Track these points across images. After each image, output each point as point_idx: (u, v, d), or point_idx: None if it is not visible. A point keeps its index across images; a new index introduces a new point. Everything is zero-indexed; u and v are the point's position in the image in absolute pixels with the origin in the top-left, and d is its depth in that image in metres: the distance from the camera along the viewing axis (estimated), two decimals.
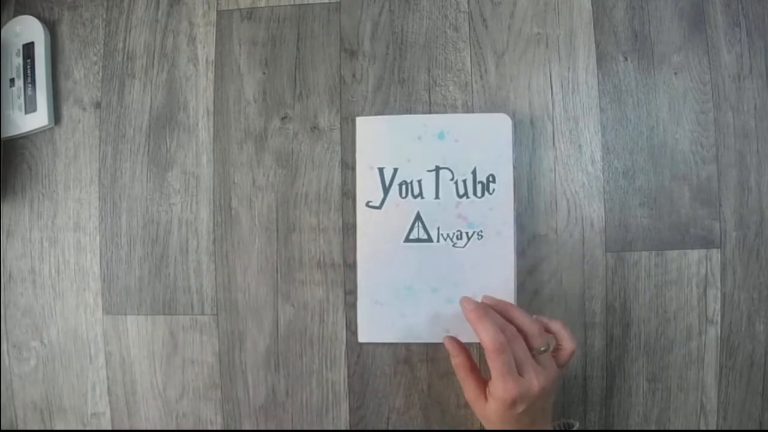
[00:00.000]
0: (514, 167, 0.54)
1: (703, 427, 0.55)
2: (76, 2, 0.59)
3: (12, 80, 0.58)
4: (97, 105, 0.58)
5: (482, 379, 0.49)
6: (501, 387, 0.45)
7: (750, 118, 0.56)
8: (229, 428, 0.56)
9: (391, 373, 0.56)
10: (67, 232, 0.58)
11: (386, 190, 0.54)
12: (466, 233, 0.54)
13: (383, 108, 0.56)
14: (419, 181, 0.54)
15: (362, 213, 0.54)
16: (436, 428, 0.55)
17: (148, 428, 0.57)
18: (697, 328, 0.56)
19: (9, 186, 0.58)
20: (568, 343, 0.49)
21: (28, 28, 0.58)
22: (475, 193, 0.54)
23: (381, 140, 0.54)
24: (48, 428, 0.57)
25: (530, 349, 0.47)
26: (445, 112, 0.56)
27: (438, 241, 0.54)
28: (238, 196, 0.57)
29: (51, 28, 0.59)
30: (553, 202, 0.56)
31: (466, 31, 0.57)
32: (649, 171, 0.56)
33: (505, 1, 0.57)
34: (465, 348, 0.52)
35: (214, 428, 0.56)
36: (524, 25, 0.57)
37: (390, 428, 0.56)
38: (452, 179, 0.54)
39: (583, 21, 0.57)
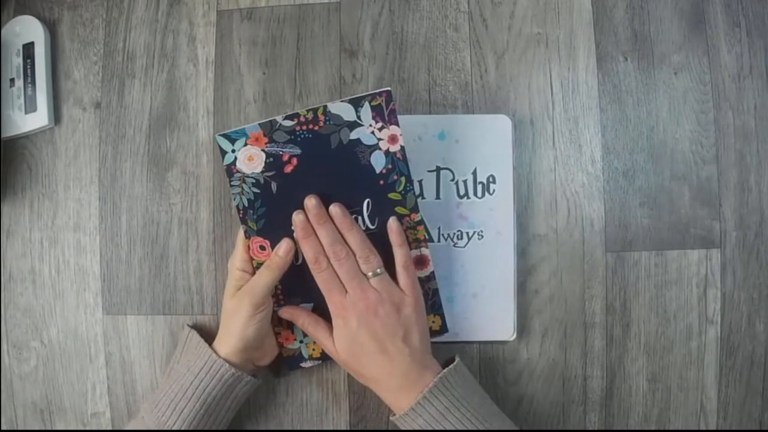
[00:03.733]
0: (514, 168, 0.54)
1: (703, 427, 0.55)
2: (76, 2, 0.59)
3: (12, 80, 0.58)
4: (97, 105, 0.58)
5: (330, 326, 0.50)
6: (329, 303, 0.48)
7: (750, 118, 0.56)
8: (230, 428, 0.56)
9: None
10: (67, 232, 0.58)
11: None
12: (467, 233, 0.54)
13: None
14: (420, 182, 0.54)
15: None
16: None
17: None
18: (697, 328, 0.56)
19: (9, 186, 0.58)
20: (401, 276, 0.49)
21: (28, 28, 0.58)
22: (475, 194, 0.54)
23: None
24: (48, 428, 0.57)
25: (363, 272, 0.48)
26: (445, 112, 0.56)
27: (439, 241, 0.54)
28: None
29: (51, 28, 0.59)
30: (553, 202, 0.56)
31: (466, 31, 0.57)
32: (649, 171, 0.56)
33: (505, 1, 0.57)
34: (300, 308, 0.52)
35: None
36: (524, 25, 0.57)
37: (390, 428, 0.56)
38: (453, 180, 0.54)
39: (583, 21, 0.57)
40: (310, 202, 0.48)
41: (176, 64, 0.58)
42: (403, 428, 0.48)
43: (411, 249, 0.50)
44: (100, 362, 0.57)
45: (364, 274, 0.48)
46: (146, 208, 0.57)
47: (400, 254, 0.49)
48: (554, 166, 0.56)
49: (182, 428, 0.48)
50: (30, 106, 0.57)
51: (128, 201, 0.58)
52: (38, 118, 0.57)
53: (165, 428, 0.48)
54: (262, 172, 0.49)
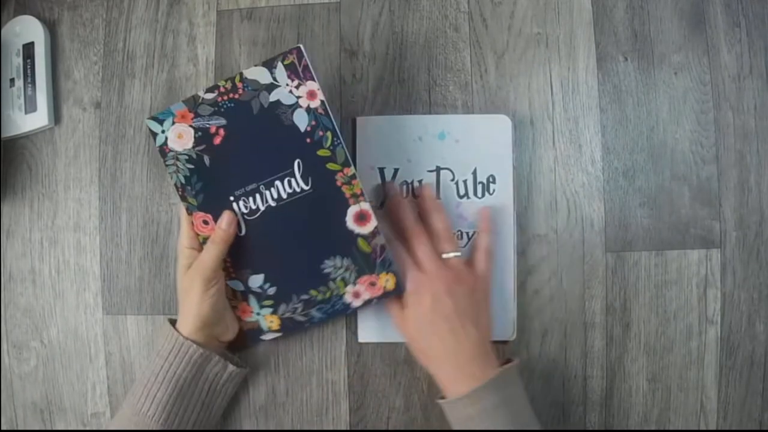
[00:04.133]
0: (514, 168, 0.54)
1: (703, 427, 0.55)
2: (76, 2, 0.59)
3: (12, 80, 0.58)
4: (97, 105, 0.58)
5: (405, 302, 0.51)
6: (406, 279, 0.49)
7: (750, 118, 0.56)
8: (230, 428, 0.56)
9: (391, 373, 0.56)
10: (67, 232, 0.58)
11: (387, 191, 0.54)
12: (467, 233, 0.54)
13: (383, 108, 0.56)
14: (420, 182, 0.54)
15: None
16: (437, 428, 0.55)
17: None
18: (697, 328, 0.56)
19: (9, 186, 0.58)
20: (479, 261, 0.51)
21: (28, 28, 0.58)
22: (475, 194, 0.54)
23: (381, 140, 0.54)
24: (48, 428, 0.57)
25: (439, 252, 0.50)
26: (446, 112, 0.56)
27: None
28: None
29: (51, 28, 0.59)
30: (553, 202, 0.56)
31: (466, 31, 0.57)
32: (649, 171, 0.56)
33: (505, 1, 0.57)
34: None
35: (215, 428, 0.56)
36: (524, 25, 0.57)
37: (390, 428, 0.56)
38: (453, 179, 0.54)
39: (583, 21, 0.57)
40: (391, 186, 0.52)
41: (176, 64, 0.58)
42: (450, 413, 0.48)
43: (350, 205, 0.50)
44: (100, 362, 0.57)
45: (441, 254, 0.49)
46: (146, 208, 0.57)
47: (484, 239, 0.51)
48: (554, 166, 0.56)
49: (157, 412, 0.48)
50: (30, 106, 0.57)
51: (128, 201, 0.58)
52: (38, 118, 0.57)
53: (141, 415, 0.48)
54: (193, 147, 0.50)
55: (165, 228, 0.57)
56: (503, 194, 0.54)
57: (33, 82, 0.57)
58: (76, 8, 0.59)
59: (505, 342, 0.55)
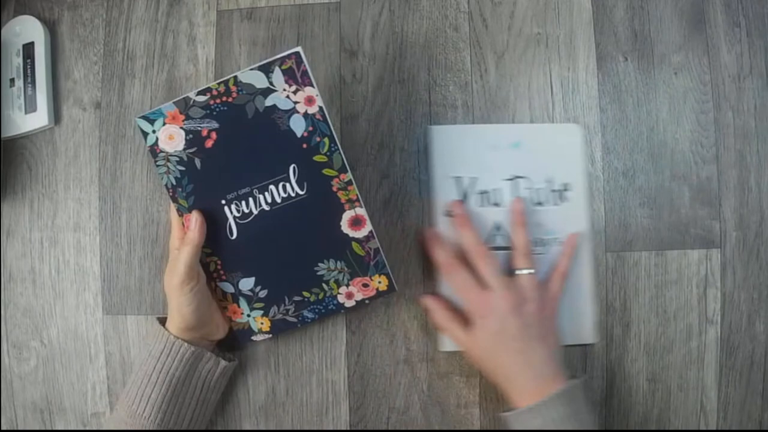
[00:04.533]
0: (586, 175, 0.55)
1: (703, 427, 0.55)
2: (76, 2, 0.59)
3: (12, 80, 0.58)
4: (97, 105, 0.58)
5: (469, 322, 0.51)
6: (468, 301, 0.49)
7: (750, 118, 0.56)
8: (229, 428, 0.56)
9: (391, 373, 0.56)
10: (67, 232, 0.58)
11: (465, 200, 0.54)
12: (544, 240, 0.54)
13: (383, 108, 0.56)
14: (497, 190, 0.54)
15: (443, 223, 0.54)
16: (436, 428, 0.55)
17: None
18: (697, 328, 0.56)
19: (9, 186, 0.58)
20: (553, 282, 0.52)
21: (28, 28, 0.58)
22: (550, 202, 0.54)
23: (456, 149, 0.54)
24: (48, 428, 0.57)
25: (512, 266, 0.51)
26: (446, 112, 0.56)
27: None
28: None
29: (51, 28, 0.59)
30: None
31: (466, 31, 0.57)
32: (649, 171, 0.56)
33: (505, 1, 0.57)
34: (440, 299, 0.53)
35: (215, 428, 0.56)
36: (524, 25, 0.57)
37: (390, 428, 0.56)
38: (529, 188, 0.54)
39: (583, 21, 0.57)
40: (456, 207, 0.52)
41: (176, 64, 0.58)
42: (514, 425, 0.48)
43: (345, 210, 0.50)
44: (100, 362, 0.57)
45: (515, 270, 0.50)
46: (146, 208, 0.57)
47: (564, 263, 0.52)
48: None
49: (152, 413, 0.48)
50: (30, 106, 0.57)
51: (128, 201, 0.58)
52: (38, 118, 0.57)
53: (136, 416, 0.48)
54: (184, 149, 0.49)
55: (165, 228, 0.57)
56: (577, 201, 0.54)
57: (33, 82, 0.57)
58: (76, 8, 0.59)
59: (586, 345, 0.55)
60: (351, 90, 0.57)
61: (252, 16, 0.58)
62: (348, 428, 0.56)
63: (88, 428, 0.57)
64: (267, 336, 0.54)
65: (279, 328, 0.54)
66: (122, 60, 0.58)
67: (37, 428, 0.57)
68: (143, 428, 0.48)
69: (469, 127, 0.55)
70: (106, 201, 0.58)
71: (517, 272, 0.50)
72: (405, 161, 0.56)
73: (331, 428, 0.56)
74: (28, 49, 0.57)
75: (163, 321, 0.52)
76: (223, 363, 0.51)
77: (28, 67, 0.57)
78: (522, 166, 0.54)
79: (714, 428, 0.55)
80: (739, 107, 0.56)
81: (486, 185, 0.54)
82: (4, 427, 0.58)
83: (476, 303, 0.49)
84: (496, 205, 0.54)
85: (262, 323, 0.53)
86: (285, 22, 0.58)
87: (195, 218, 0.49)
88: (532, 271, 0.50)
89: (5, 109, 0.58)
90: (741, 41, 0.57)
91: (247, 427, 0.56)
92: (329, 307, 0.53)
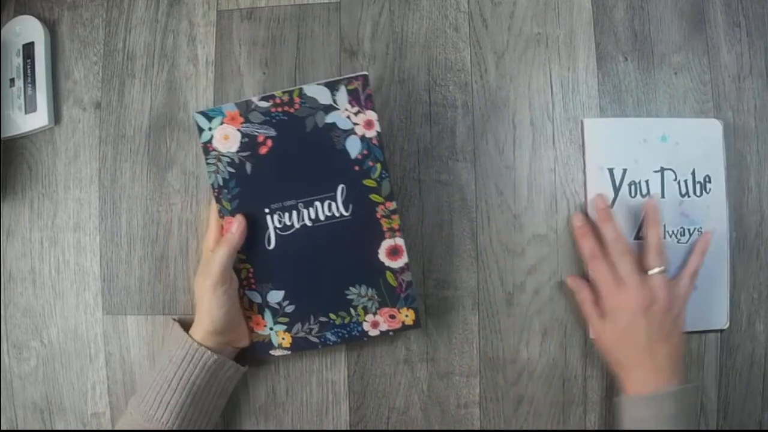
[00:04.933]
0: (725, 168, 0.55)
1: (703, 427, 0.55)
2: (76, 2, 0.59)
3: (12, 80, 0.58)
4: (97, 105, 0.58)
5: (603, 312, 0.52)
6: (603, 295, 0.50)
7: (750, 118, 0.56)
8: (229, 428, 0.56)
9: (391, 373, 0.56)
10: (67, 232, 0.58)
11: (617, 190, 0.55)
12: (688, 230, 0.55)
13: (383, 108, 0.56)
14: (647, 182, 0.55)
15: (591, 213, 0.55)
16: (436, 428, 0.55)
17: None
18: None
19: (9, 186, 0.58)
20: (683, 281, 0.52)
21: (28, 28, 0.58)
22: (695, 193, 0.55)
23: (609, 142, 0.56)
24: (48, 428, 0.57)
25: (645, 265, 0.51)
26: (446, 112, 0.56)
27: (664, 237, 0.55)
28: None
29: (51, 28, 0.59)
30: (552, 202, 0.56)
31: (466, 31, 0.57)
32: None
33: (505, 1, 0.57)
34: (587, 283, 0.54)
35: (215, 428, 0.56)
36: (524, 25, 0.57)
37: (390, 428, 0.56)
38: (675, 179, 0.55)
39: (583, 21, 0.57)
40: (600, 200, 0.53)
41: (176, 64, 0.58)
42: (625, 411, 0.50)
43: (385, 238, 0.50)
44: (100, 362, 0.57)
45: (648, 269, 0.50)
46: (146, 208, 0.57)
47: (696, 261, 0.53)
48: (554, 166, 0.56)
49: (170, 419, 0.48)
50: (30, 106, 0.57)
51: (128, 201, 0.58)
52: (38, 118, 0.57)
53: (153, 422, 0.48)
54: (237, 151, 0.49)
55: (165, 228, 0.57)
56: (718, 193, 0.56)
57: (33, 82, 0.57)
58: (76, 8, 0.59)
59: (720, 331, 0.55)
60: None
61: (252, 16, 0.58)
62: (348, 428, 0.56)
63: (88, 428, 0.57)
64: (286, 352, 0.54)
65: (299, 346, 0.53)
66: (122, 60, 0.58)
67: (37, 428, 0.57)
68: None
69: (621, 120, 0.56)
70: (106, 201, 0.58)
71: (650, 273, 0.50)
72: (405, 161, 0.56)
73: (331, 428, 0.56)
74: (28, 49, 0.57)
75: (184, 325, 0.51)
76: (242, 370, 0.52)
77: (28, 67, 0.57)
78: (669, 158, 0.55)
79: (714, 428, 0.55)
80: (739, 107, 0.56)
81: (636, 176, 0.55)
82: (4, 427, 0.58)
83: (611, 297, 0.51)
84: (646, 195, 0.55)
85: (283, 338, 0.53)
86: (285, 22, 0.58)
87: (239, 221, 0.49)
88: (663, 268, 0.51)
89: (5, 109, 0.58)
90: (741, 41, 0.57)
91: (247, 427, 0.56)
92: (353, 333, 0.53)
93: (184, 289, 0.57)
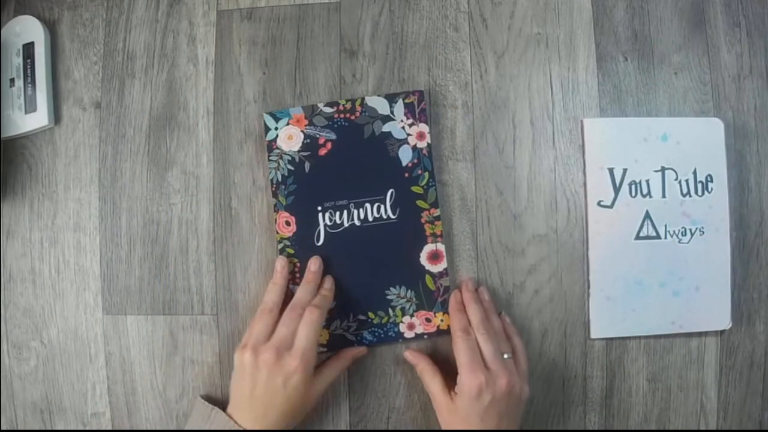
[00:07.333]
0: (727, 167, 0.55)
1: (703, 427, 0.55)
2: (76, 2, 0.59)
3: (12, 80, 0.58)
4: (97, 105, 0.58)
5: (448, 382, 0.51)
6: (466, 374, 0.48)
7: (750, 118, 0.56)
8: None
9: (391, 373, 0.56)
10: (67, 232, 0.58)
11: (617, 190, 0.55)
12: (690, 230, 0.55)
13: None
14: (647, 181, 0.55)
15: (594, 212, 0.55)
16: (436, 428, 0.55)
17: (148, 428, 0.57)
18: None
19: (9, 186, 0.58)
20: (520, 362, 0.52)
21: (28, 28, 0.58)
22: (696, 192, 0.55)
23: (609, 141, 0.56)
24: (48, 428, 0.57)
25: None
26: (446, 112, 0.56)
27: (665, 237, 0.55)
28: (238, 196, 0.57)
29: (51, 28, 0.59)
30: (552, 202, 0.56)
31: (466, 31, 0.57)
32: None
33: (505, 1, 0.57)
34: (424, 354, 0.54)
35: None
36: (524, 25, 0.57)
37: (390, 428, 0.56)
38: (676, 179, 0.55)
39: (583, 21, 0.57)
40: (467, 285, 0.54)
41: (176, 64, 0.58)
42: None
43: (427, 243, 0.54)
44: (100, 362, 0.57)
45: (504, 354, 0.50)
46: (146, 208, 0.57)
47: (519, 342, 0.52)
48: (554, 166, 0.56)
49: None
50: (30, 106, 0.57)
51: (128, 201, 0.58)
52: (38, 118, 0.57)
53: None
54: (299, 151, 0.53)
55: (165, 228, 0.57)
56: (720, 192, 0.56)
57: (33, 82, 0.57)
58: (76, 8, 0.59)
59: (721, 331, 0.55)
60: (351, 90, 0.57)
61: (252, 16, 0.58)
62: (348, 428, 0.56)
63: (88, 428, 0.57)
64: (322, 349, 0.54)
65: (337, 344, 0.54)
66: (122, 60, 0.58)
67: (37, 428, 0.57)
68: None
69: (620, 120, 0.56)
70: (106, 201, 0.58)
71: (505, 356, 0.50)
72: None
73: (331, 428, 0.56)
74: (28, 49, 0.57)
75: (220, 406, 0.50)
76: None
77: (28, 67, 0.57)
78: (669, 157, 0.55)
79: (714, 428, 0.56)
80: (739, 107, 0.56)
81: (637, 176, 0.55)
82: (4, 427, 0.58)
83: (478, 377, 0.48)
84: (647, 195, 0.55)
85: (321, 335, 0.53)
86: (285, 22, 0.58)
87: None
88: (509, 355, 0.50)
89: (5, 109, 0.58)
90: (741, 41, 0.57)
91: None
92: (389, 334, 0.54)
93: (184, 288, 0.57)
